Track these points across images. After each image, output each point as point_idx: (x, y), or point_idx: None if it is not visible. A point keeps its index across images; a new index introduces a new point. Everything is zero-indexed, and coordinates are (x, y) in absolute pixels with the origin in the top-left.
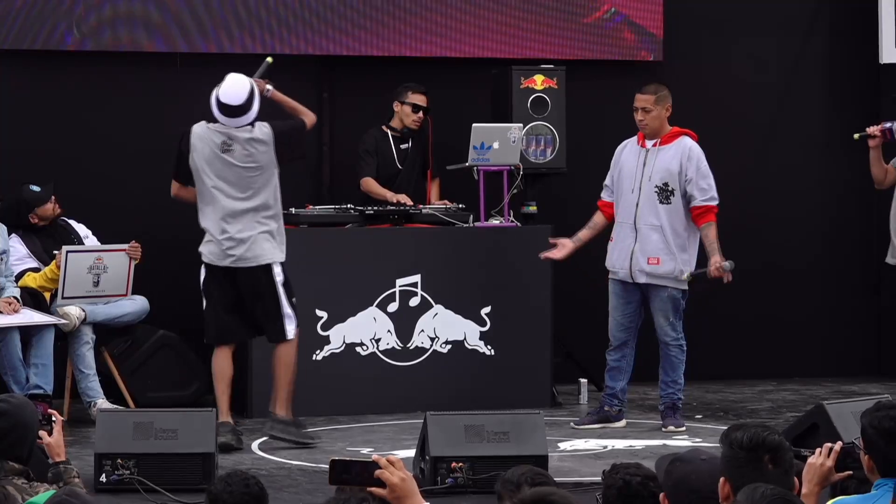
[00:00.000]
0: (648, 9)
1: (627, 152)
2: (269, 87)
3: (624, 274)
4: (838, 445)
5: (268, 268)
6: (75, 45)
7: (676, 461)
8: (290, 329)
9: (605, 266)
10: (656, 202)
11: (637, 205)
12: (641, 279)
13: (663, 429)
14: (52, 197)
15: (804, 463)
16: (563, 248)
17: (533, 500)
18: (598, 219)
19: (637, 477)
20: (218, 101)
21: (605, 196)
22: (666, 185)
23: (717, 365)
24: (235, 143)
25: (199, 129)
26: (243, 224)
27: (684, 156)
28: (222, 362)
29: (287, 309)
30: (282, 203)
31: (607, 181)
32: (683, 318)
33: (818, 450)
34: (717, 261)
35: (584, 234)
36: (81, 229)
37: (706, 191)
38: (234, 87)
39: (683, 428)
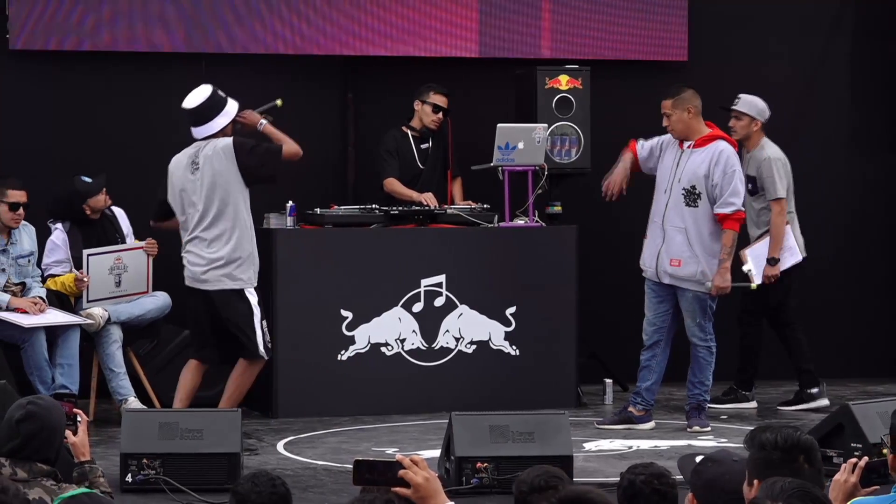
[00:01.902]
0: (673, 9)
1: (670, 149)
2: (263, 121)
3: (651, 273)
4: (863, 462)
5: (239, 292)
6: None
7: (707, 461)
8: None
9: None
10: (682, 204)
11: (667, 205)
12: (666, 279)
13: (688, 429)
14: (104, 188)
15: (829, 464)
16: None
17: (571, 500)
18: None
19: (641, 476)
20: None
21: (640, 142)
22: (693, 188)
23: None
24: (201, 160)
25: (176, 159)
26: (200, 248)
27: (713, 160)
28: None
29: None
30: (252, 224)
31: (649, 141)
32: (713, 319)
33: (843, 466)
34: (716, 278)
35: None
36: (125, 224)
37: (725, 198)
38: (194, 93)
39: (708, 428)
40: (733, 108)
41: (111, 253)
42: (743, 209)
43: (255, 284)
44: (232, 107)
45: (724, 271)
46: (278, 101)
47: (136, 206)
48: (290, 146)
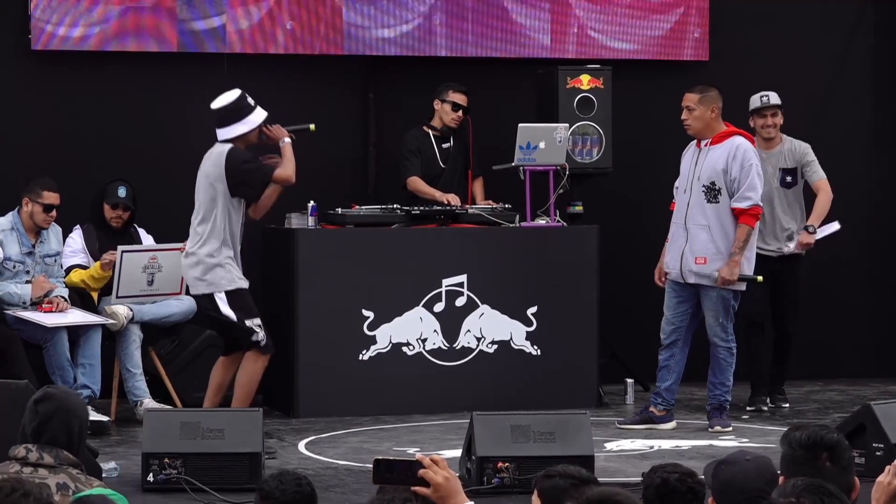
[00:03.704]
0: (695, 9)
1: (688, 154)
2: (287, 139)
3: (675, 274)
4: None
5: (209, 297)
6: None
7: (722, 464)
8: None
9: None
10: (704, 202)
11: (688, 205)
12: (691, 279)
13: (710, 429)
14: (118, 204)
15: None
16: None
17: (598, 501)
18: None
19: (675, 474)
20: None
21: (675, 198)
22: (713, 184)
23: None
24: (204, 161)
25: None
26: (188, 246)
27: (730, 155)
28: None
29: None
30: (237, 231)
31: (676, 183)
32: (735, 319)
33: (888, 468)
34: (723, 270)
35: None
36: (147, 240)
37: (742, 192)
38: (222, 95)
39: (730, 428)
40: (773, 103)
41: (147, 251)
42: (760, 204)
43: (229, 289)
44: (257, 116)
45: (734, 264)
46: (311, 126)
47: (161, 206)
48: (285, 171)
